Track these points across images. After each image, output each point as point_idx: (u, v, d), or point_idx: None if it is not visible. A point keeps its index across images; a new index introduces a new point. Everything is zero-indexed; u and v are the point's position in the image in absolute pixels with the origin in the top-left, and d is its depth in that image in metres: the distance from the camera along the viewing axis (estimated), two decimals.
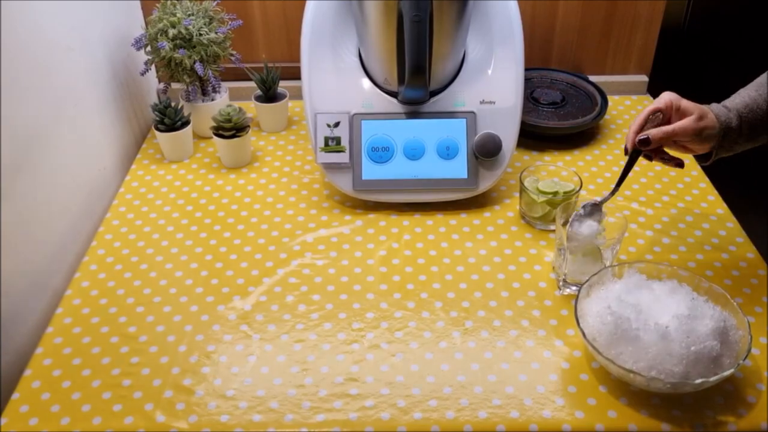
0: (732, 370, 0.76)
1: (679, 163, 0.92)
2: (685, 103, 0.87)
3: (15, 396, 0.82)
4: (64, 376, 0.84)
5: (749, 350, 0.77)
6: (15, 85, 0.90)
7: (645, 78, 1.43)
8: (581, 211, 0.92)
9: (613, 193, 0.92)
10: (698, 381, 0.75)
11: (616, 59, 1.42)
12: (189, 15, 1.16)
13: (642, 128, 0.88)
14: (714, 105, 0.88)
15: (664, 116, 0.88)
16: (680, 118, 0.87)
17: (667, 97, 0.88)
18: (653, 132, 0.86)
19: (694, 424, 0.77)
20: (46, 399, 0.82)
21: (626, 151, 0.90)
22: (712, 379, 0.75)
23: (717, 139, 0.87)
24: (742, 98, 0.88)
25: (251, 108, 1.31)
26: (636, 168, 0.92)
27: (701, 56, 1.52)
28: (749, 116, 0.86)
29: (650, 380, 0.76)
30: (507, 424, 0.78)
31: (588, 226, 0.91)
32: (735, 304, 0.83)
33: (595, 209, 0.92)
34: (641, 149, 0.88)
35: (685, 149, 0.90)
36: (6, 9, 0.88)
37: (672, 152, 0.92)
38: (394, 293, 0.95)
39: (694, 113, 0.86)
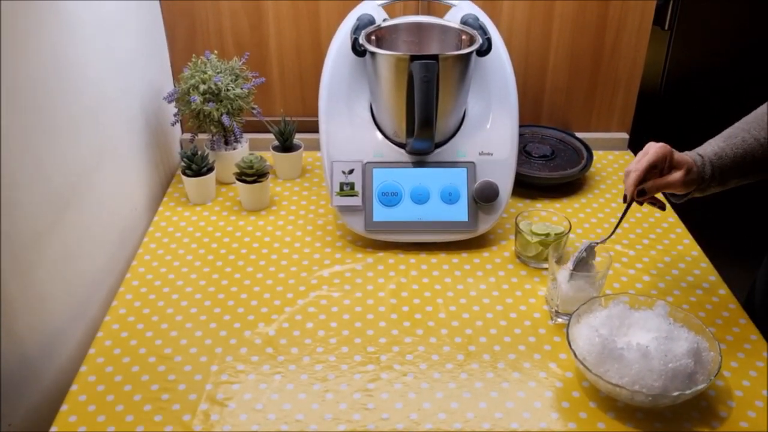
0: (705, 385, 0.86)
1: (662, 206, 1.04)
2: (677, 156, 0.96)
3: (63, 408, 0.91)
4: (107, 391, 0.93)
5: (720, 368, 0.88)
6: (71, 127, 1.02)
7: (626, 135, 1.56)
8: (583, 253, 1.03)
9: (611, 234, 1.05)
10: (675, 394, 0.85)
11: (600, 118, 1.55)
12: (218, 72, 1.29)
13: (642, 180, 0.96)
14: (690, 153, 0.98)
15: (657, 167, 0.96)
16: (671, 169, 0.96)
17: (661, 151, 0.95)
18: (649, 185, 0.97)
19: None
20: (92, 410, 0.90)
21: (625, 199, 1.00)
22: (688, 392, 0.85)
23: (694, 185, 0.97)
24: (712, 147, 0.97)
25: (269, 157, 1.42)
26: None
27: (676, 116, 1.67)
28: (719, 163, 0.96)
29: (634, 393, 0.86)
30: None
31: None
32: (707, 329, 0.93)
33: (591, 251, 1.04)
34: (636, 199, 0.99)
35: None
36: (66, 60, 1.01)
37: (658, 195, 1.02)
38: (404, 321, 1.06)
39: (683, 167, 0.95)
